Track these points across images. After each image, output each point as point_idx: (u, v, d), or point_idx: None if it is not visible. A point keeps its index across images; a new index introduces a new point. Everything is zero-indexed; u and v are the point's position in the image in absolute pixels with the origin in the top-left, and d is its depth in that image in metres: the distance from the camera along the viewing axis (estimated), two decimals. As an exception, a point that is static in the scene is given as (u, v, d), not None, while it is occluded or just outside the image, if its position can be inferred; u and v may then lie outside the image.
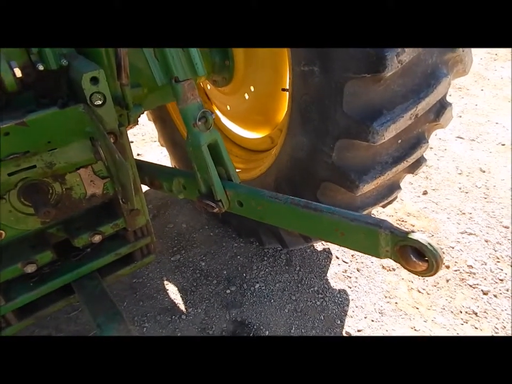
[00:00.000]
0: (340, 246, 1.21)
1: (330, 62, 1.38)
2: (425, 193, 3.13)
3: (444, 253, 2.58)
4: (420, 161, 1.72)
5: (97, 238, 1.42)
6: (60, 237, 1.43)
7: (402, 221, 2.86)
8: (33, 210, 1.23)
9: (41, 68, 1.20)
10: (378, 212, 2.92)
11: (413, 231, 0.96)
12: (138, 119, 1.79)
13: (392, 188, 1.77)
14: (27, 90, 1.22)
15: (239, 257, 2.61)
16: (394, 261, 1.02)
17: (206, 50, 2.14)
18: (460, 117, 4.25)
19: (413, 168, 1.73)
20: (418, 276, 1.00)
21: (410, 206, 3.00)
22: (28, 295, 1.34)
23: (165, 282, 2.45)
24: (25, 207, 1.25)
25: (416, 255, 0.94)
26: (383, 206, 1.98)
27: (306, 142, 1.68)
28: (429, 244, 0.92)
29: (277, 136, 2.13)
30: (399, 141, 1.53)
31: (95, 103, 1.17)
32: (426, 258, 0.93)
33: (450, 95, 4.70)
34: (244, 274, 2.47)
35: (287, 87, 1.73)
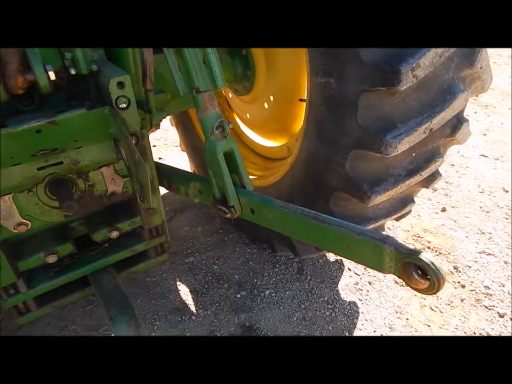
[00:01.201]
0: (346, 258, 1.22)
1: (346, 74, 1.41)
2: (444, 210, 3.07)
3: (459, 271, 2.52)
4: (434, 176, 1.71)
5: (114, 234, 1.49)
6: (80, 231, 1.51)
7: (419, 236, 2.82)
8: (57, 204, 1.32)
9: (73, 72, 1.30)
10: (394, 226, 2.90)
11: (417, 249, 0.97)
12: (160, 123, 1.88)
13: (406, 201, 1.76)
14: (59, 92, 1.31)
15: (251, 262, 2.64)
16: (398, 276, 1.03)
17: (228, 61, 2.22)
18: (485, 135, 4.16)
19: (427, 182, 1.72)
20: (419, 293, 1.00)
21: (427, 222, 2.95)
22: (48, 283, 1.43)
23: (178, 282, 2.51)
24: (50, 200, 1.33)
25: (419, 273, 0.95)
26: (397, 219, 1.98)
27: (320, 152, 1.71)
28: (431, 262, 0.93)
29: (294, 145, 2.17)
30: (413, 154, 1.54)
31: (120, 106, 1.25)
32: (429, 277, 0.94)
33: (476, 112, 4.64)
34: (255, 280, 2.49)
35: (305, 98, 1.78)
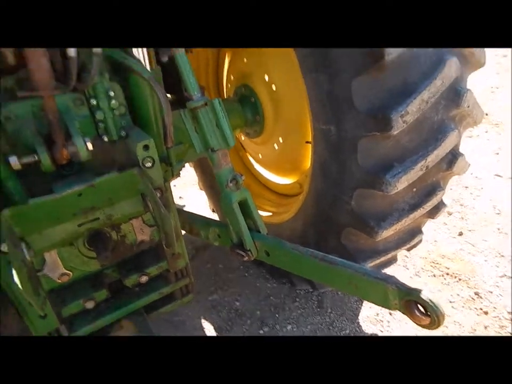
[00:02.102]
0: (356, 297, 1.30)
1: (344, 122, 1.57)
2: (460, 234, 3.09)
3: (481, 297, 2.51)
4: (438, 207, 1.80)
5: (144, 279, 1.64)
6: (113, 277, 1.66)
7: (437, 263, 2.83)
8: (95, 254, 1.49)
9: (106, 139, 1.51)
10: (411, 254, 2.93)
11: (417, 288, 1.05)
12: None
13: (413, 233, 1.85)
14: (96, 157, 1.52)
15: (272, 298, 2.72)
16: (403, 313, 1.10)
17: (239, 108, 2.43)
18: (497, 154, 4.19)
19: (432, 213, 1.81)
20: (423, 328, 1.07)
21: (444, 248, 2.97)
22: (87, 327, 1.57)
23: (203, 320, 2.60)
24: (88, 252, 1.50)
25: (420, 310, 1.03)
26: (408, 249, 2.04)
27: (328, 191, 1.84)
28: (430, 300, 1.01)
29: (305, 182, 2.31)
30: (414, 190, 1.64)
31: (146, 165, 1.44)
32: (429, 313, 1.01)
33: (486, 132, 4.68)
34: (277, 315, 2.56)
35: (311, 140, 1.94)
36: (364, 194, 1.64)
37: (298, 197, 2.33)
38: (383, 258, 1.85)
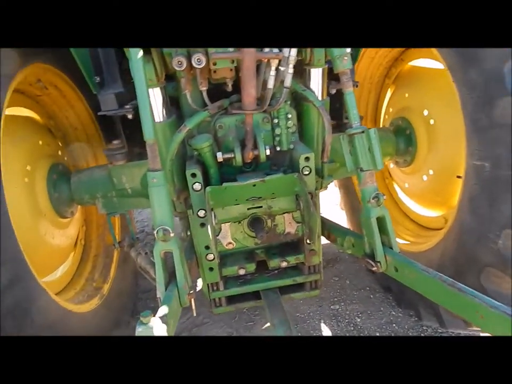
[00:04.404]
0: (480, 328, 1.30)
1: (499, 160, 1.58)
2: None
3: None
4: None
5: (284, 264, 2.02)
6: (261, 257, 2.10)
7: None
8: (253, 234, 1.93)
9: (278, 149, 1.96)
10: None
11: None
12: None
13: None
14: (268, 160, 1.98)
15: (394, 325, 2.70)
16: None
17: (392, 138, 2.59)
18: None
19: None
20: None
21: None
22: (236, 289, 2.05)
23: (322, 325, 2.81)
24: (249, 231, 1.97)
25: None
26: None
27: (474, 227, 1.82)
28: None
29: (450, 217, 2.27)
30: None
31: (304, 173, 1.81)
32: None
33: None
34: (396, 343, 2.55)
35: (462, 175, 1.95)
36: (514, 235, 1.59)
37: (440, 230, 2.30)
38: (529, 312, 1.69)
